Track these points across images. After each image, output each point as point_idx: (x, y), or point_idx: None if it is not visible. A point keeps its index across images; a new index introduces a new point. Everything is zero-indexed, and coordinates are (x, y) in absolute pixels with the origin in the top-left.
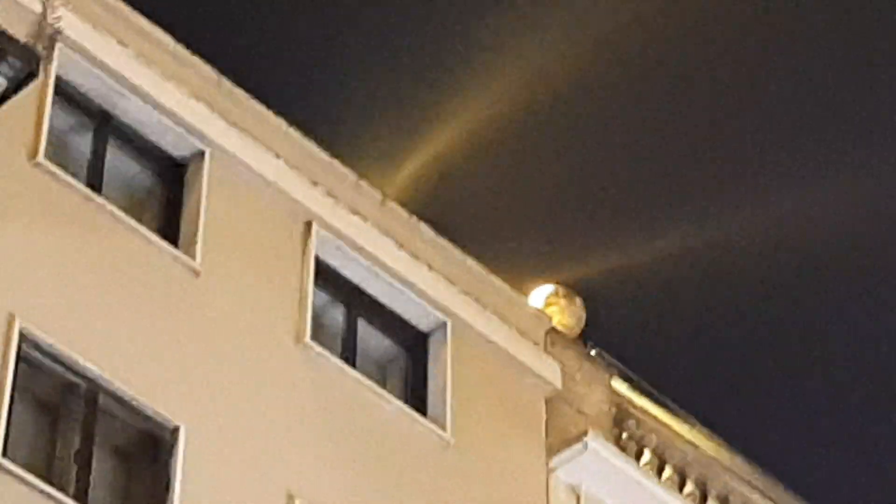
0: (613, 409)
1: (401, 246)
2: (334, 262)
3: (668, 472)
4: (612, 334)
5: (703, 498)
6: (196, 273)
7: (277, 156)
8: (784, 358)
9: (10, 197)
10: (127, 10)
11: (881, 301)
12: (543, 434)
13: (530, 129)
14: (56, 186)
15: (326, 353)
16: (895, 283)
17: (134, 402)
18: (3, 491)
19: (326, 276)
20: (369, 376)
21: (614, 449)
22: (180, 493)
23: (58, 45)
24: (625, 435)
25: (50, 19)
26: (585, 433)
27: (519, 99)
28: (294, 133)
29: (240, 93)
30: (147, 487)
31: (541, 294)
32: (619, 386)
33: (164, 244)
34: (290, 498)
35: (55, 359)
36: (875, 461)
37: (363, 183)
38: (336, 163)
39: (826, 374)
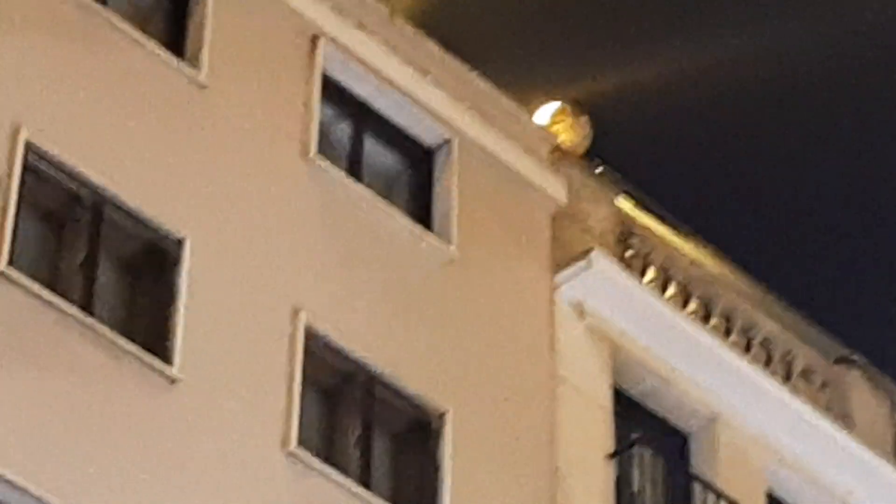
0: (618, 227)
1: (407, 62)
2: (341, 77)
3: (672, 289)
4: (618, 152)
5: (707, 315)
6: (202, 86)
7: None
8: (790, 177)
9: (15, 8)
10: None
11: (890, 121)
12: (548, 250)
13: None
14: None
15: (332, 167)
16: None
17: (139, 214)
18: (8, 300)
19: (333, 92)
20: (375, 191)
21: (619, 266)
22: (185, 305)
23: None
24: (629, 252)
25: None
26: (590, 250)
27: None
28: None
29: None
30: (152, 299)
31: (547, 111)
32: (625, 203)
33: (171, 57)
34: (295, 311)
35: (61, 169)
36: (878, 279)
37: None
38: None
39: (831, 193)
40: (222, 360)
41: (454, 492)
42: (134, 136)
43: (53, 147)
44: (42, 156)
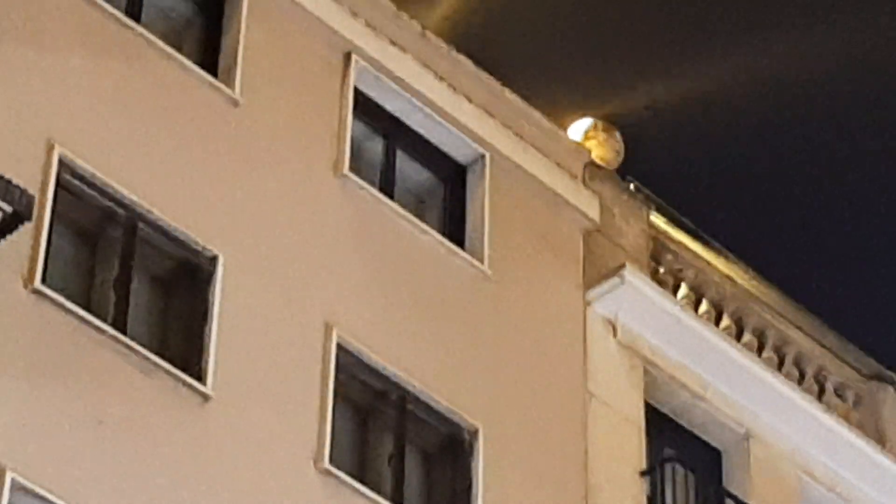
0: (651, 243)
1: (440, 78)
2: (373, 93)
3: (704, 306)
4: (650, 168)
5: (740, 332)
6: (235, 103)
7: None
8: (822, 193)
9: (49, 25)
10: None
11: None
12: (581, 267)
13: None
14: (95, 15)
15: (365, 184)
16: None
17: (172, 231)
18: (41, 317)
19: (365, 108)
20: (407, 208)
21: (651, 282)
22: (218, 321)
23: None
24: (662, 269)
25: None
26: (623, 266)
27: None
28: None
29: None
30: (184, 315)
31: (580, 127)
32: (657, 220)
33: (204, 74)
34: (328, 328)
35: (94, 187)
36: None
37: (403, 14)
38: None
39: (864, 208)
40: (255, 378)
41: None
42: (167, 154)
43: (87, 164)
44: (76, 173)
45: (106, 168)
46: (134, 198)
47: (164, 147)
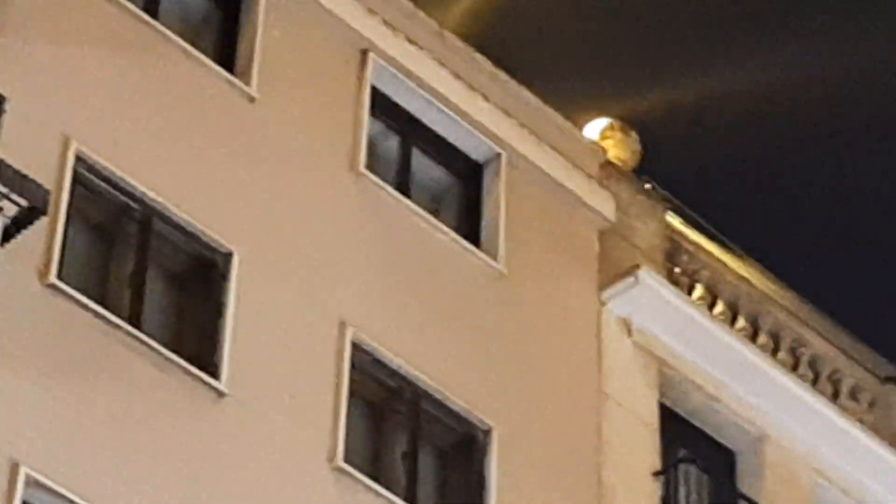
0: (666, 244)
1: (457, 76)
2: (390, 91)
3: (719, 307)
4: (666, 169)
5: (755, 333)
6: (251, 99)
7: None
8: (838, 195)
9: (66, 21)
10: None
11: None
12: (596, 267)
13: None
14: (113, 11)
15: (381, 182)
16: None
17: (188, 227)
18: (57, 312)
19: (382, 106)
20: (423, 206)
21: (666, 283)
22: (233, 318)
23: None
24: (677, 269)
25: None
26: (638, 267)
27: None
28: None
29: None
30: (200, 312)
31: (596, 127)
32: (673, 220)
33: (220, 70)
34: (343, 325)
35: (111, 182)
36: None
37: (420, 13)
38: None
39: (881, 211)
40: (269, 375)
41: None
42: (183, 150)
43: (103, 159)
44: (92, 168)
45: (122, 163)
46: (150, 193)
47: (181, 143)
